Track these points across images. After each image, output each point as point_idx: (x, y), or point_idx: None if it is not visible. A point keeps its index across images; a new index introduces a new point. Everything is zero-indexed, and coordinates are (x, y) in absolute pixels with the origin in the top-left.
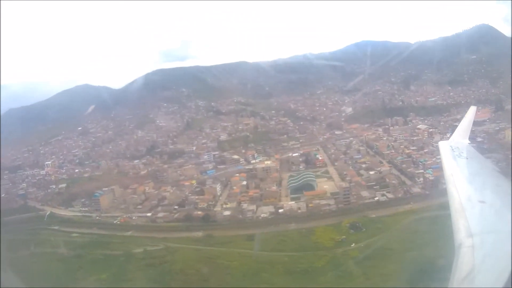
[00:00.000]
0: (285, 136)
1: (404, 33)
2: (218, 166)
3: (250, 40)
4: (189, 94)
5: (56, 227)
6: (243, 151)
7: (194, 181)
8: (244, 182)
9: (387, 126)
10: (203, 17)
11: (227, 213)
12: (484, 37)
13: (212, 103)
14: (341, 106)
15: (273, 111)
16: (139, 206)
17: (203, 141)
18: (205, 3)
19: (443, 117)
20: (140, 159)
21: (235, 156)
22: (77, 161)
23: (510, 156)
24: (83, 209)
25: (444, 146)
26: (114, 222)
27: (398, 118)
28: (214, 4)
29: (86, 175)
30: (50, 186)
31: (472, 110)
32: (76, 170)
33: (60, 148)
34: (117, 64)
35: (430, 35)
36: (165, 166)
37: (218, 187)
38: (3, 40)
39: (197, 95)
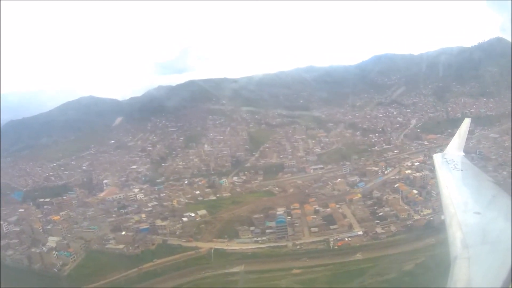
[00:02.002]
0: (376, 147)
1: (421, 45)
2: (362, 179)
3: (260, 53)
4: (231, 107)
5: (240, 268)
6: (367, 162)
7: (359, 195)
8: (415, 190)
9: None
10: (211, 29)
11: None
12: (499, 49)
13: (256, 116)
14: (395, 117)
15: (331, 124)
16: (334, 226)
17: (298, 154)
18: (210, 17)
19: (496, 127)
20: (232, 175)
21: (374, 168)
22: (144, 178)
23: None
24: (262, 238)
25: (439, 158)
26: (330, 247)
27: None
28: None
29: (201, 197)
30: (182, 214)
31: (466, 122)
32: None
33: (101, 163)
34: (117, 76)
35: (446, 47)
36: (281, 180)
37: (397, 197)
38: None
39: (236, 107)
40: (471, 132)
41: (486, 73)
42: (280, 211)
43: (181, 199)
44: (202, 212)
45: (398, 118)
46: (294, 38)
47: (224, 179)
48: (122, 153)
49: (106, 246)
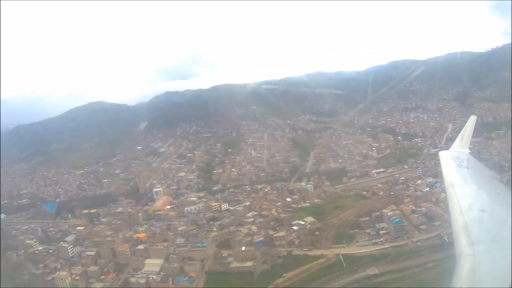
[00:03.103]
0: (425, 151)
1: (426, 50)
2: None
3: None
4: (261, 112)
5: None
6: (429, 164)
7: (442, 194)
8: None
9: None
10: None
11: None
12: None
13: (288, 121)
14: (427, 122)
15: (368, 128)
16: (436, 223)
17: (356, 158)
18: (216, 23)
19: None
20: (293, 180)
21: (439, 169)
22: (197, 186)
23: None
24: (380, 240)
25: (445, 156)
26: (447, 241)
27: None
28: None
29: (294, 204)
30: (290, 223)
31: (472, 120)
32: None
33: (138, 170)
34: (120, 81)
35: (453, 52)
36: (353, 184)
37: None
38: None
39: (266, 113)
40: (504, 136)
41: (503, 78)
42: (387, 212)
43: (271, 207)
44: (310, 219)
45: (431, 123)
46: (302, 44)
47: (310, 185)
48: (157, 160)
49: (231, 266)
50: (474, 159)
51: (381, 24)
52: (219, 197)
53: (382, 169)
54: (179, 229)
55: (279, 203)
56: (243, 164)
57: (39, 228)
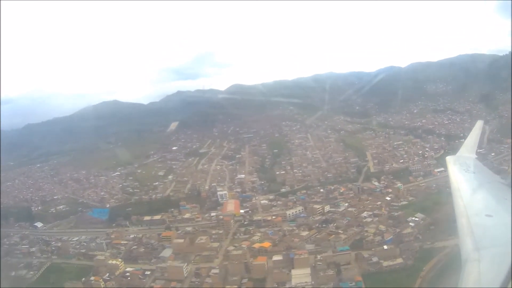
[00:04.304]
0: None
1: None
2: None
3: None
4: (298, 112)
5: None
6: None
7: None
8: None
9: None
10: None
11: None
12: None
13: (326, 122)
14: (461, 124)
15: (407, 130)
16: None
17: (416, 158)
18: (227, 23)
19: None
20: (361, 180)
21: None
22: (262, 188)
23: None
24: None
25: (451, 161)
26: None
27: None
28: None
29: (395, 203)
30: (405, 220)
31: (478, 125)
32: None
33: (184, 172)
34: (129, 81)
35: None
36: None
37: None
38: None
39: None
40: None
41: None
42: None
43: (373, 207)
44: (420, 215)
45: (466, 124)
46: (313, 45)
47: (400, 184)
48: (201, 161)
49: (384, 265)
50: (480, 164)
51: (390, 26)
52: (294, 199)
53: (442, 168)
54: (301, 234)
55: (379, 203)
56: (304, 165)
57: (103, 241)
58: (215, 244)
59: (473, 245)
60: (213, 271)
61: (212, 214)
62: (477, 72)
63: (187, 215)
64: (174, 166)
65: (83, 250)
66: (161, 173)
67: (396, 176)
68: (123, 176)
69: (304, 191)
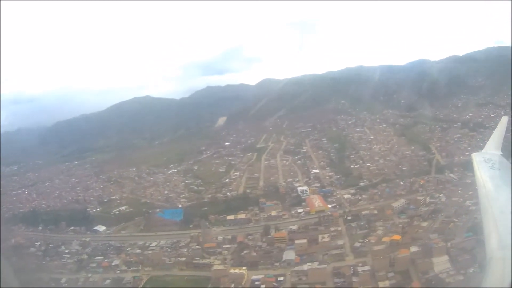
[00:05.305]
0: None
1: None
2: None
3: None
4: (351, 106)
5: None
6: None
7: None
8: None
9: None
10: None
11: None
12: None
13: (377, 115)
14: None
15: (459, 123)
16: None
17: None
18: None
19: None
20: (433, 173)
21: None
22: (339, 183)
23: None
24: None
25: (477, 158)
26: None
27: None
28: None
29: None
30: None
31: (504, 121)
32: None
33: (247, 168)
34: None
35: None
36: None
37: None
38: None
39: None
40: None
41: None
42: None
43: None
44: None
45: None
46: (341, 38)
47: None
48: (261, 157)
49: None
50: (506, 160)
51: (409, 21)
52: (378, 192)
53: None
54: (422, 225)
55: (470, 192)
56: (375, 158)
57: (196, 246)
58: (340, 241)
59: (498, 243)
60: (361, 268)
61: (299, 210)
62: (509, 65)
63: (273, 213)
64: (233, 162)
65: (183, 259)
66: (222, 170)
67: (467, 168)
68: (181, 173)
69: (384, 184)
